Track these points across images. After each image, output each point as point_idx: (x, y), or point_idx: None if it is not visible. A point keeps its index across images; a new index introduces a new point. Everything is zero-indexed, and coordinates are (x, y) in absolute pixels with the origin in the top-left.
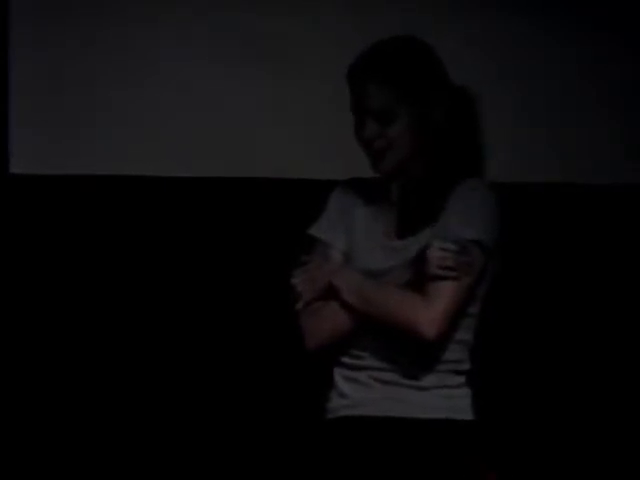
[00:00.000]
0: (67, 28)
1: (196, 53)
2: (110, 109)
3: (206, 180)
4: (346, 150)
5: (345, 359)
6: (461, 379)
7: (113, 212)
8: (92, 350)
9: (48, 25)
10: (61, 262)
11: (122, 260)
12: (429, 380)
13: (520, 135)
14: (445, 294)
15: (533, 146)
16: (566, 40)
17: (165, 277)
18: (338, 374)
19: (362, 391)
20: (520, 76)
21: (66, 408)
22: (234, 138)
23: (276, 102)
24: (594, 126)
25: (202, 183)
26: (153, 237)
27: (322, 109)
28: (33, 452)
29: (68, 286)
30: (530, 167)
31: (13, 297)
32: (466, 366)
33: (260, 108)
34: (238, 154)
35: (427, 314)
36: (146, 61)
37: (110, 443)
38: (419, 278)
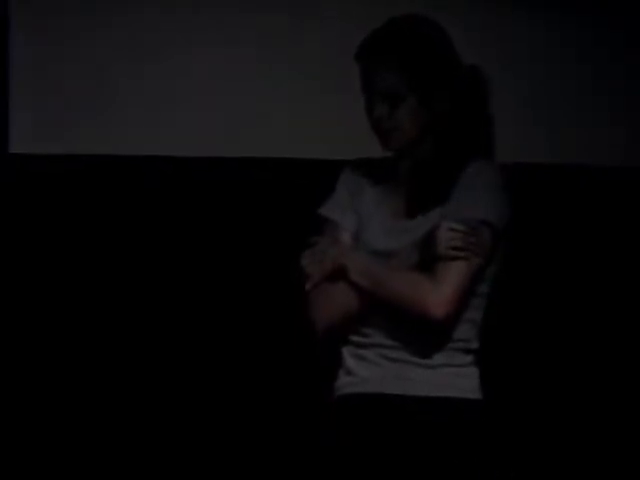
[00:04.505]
0: (67, 8)
1: (197, 32)
2: (110, 89)
3: (213, 160)
4: (354, 130)
5: (354, 337)
6: (469, 358)
7: (113, 192)
8: (90, 329)
9: (48, 5)
10: (60, 241)
11: (122, 240)
12: (437, 358)
13: (528, 116)
14: (454, 275)
15: (540, 127)
16: (567, 23)
17: (169, 258)
18: (346, 352)
19: (370, 369)
20: (528, 57)
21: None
22: (239, 118)
23: (282, 82)
24: (597, 109)
25: (209, 163)
26: (155, 217)
27: (328, 89)
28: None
29: (67, 266)
30: (536, 148)
31: (11, 277)
32: (475, 345)
33: (266, 88)
34: (243, 134)
35: (436, 296)
36: (147, 40)
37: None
38: (428, 259)
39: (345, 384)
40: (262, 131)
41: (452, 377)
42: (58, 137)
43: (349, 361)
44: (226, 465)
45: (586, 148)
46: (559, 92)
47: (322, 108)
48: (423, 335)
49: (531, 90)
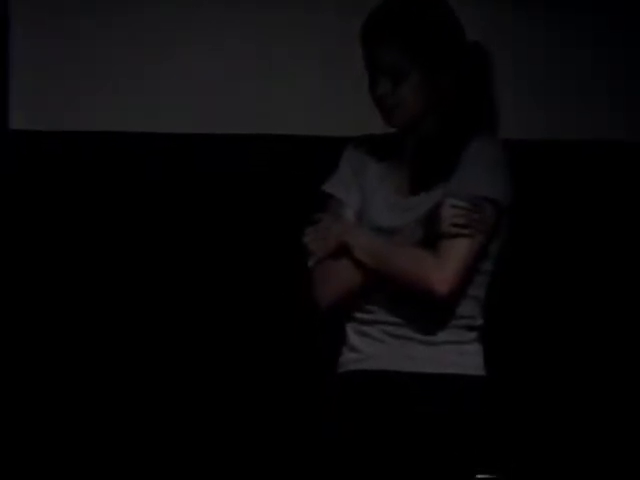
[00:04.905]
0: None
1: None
2: (110, 65)
3: (215, 137)
4: (357, 106)
5: (357, 314)
6: (473, 335)
7: (113, 168)
8: (89, 305)
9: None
10: (60, 218)
11: (121, 217)
12: (441, 335)
13: (531, 92)
14: (458, 252)
15: (540, 103)
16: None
17: (169, 233)
18: (350, 328)
19: (373, 345)
20: (527, 33)
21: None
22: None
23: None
24: (596, 85)
25: (210, 139)
26: (155, 193)
27: (332, 64)
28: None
29: (67, 242)
30: (541, 124)
31: (11, 253)
32: (478, 322)
33: (270, 63)
34: (244, 110)
35: (439, 273)
36: (146, 16)
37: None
38: (431, 236)
39: (349, 360)
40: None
41: (456, 354)
42: (59, 113)
43: (353, 338)
44: (228, 441)
45: (586, 124)
46: (559, 69)
47: (325, 86)
48: (427, 312)
49: (530, 67)
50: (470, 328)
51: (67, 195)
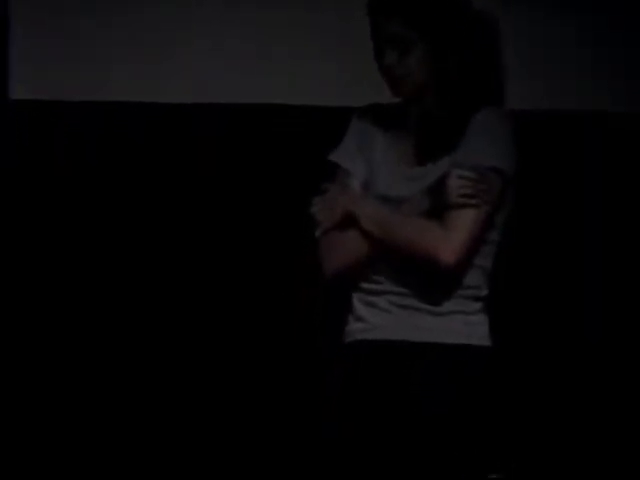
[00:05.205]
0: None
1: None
2: (111, 35)
3: (222, 106)
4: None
5: (364, 284)
6: (479, 305)
7: (113, 138)
8: (88, 277)
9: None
10: (60, 187)
11: (122, 187)
12: (447, 306)
13: (537, 63)
14: (464, 223)
15: (539, 73)
16: None
17: (171, 203)
18: (356, 299)
19: (380, 315)
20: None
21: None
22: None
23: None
24: (597, 54)
25: (218, 110)
26: (157, 164)
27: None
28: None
29: (67, 211)
30: (545, 95)
31: (11, 223)
32: (484, 292)
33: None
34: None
35: (446, 243)
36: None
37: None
38: (438, 206)
39: (355, 330)
40: (271, 77)
41: (461, 324)
42: (59, 83)
43: (359, 307)
44: (231, 413)
45: (587, 95)
46: (559, 38)
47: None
48: (433, 282)
49: (530, 35)
50: (476, 298)
51: (67, 165)
